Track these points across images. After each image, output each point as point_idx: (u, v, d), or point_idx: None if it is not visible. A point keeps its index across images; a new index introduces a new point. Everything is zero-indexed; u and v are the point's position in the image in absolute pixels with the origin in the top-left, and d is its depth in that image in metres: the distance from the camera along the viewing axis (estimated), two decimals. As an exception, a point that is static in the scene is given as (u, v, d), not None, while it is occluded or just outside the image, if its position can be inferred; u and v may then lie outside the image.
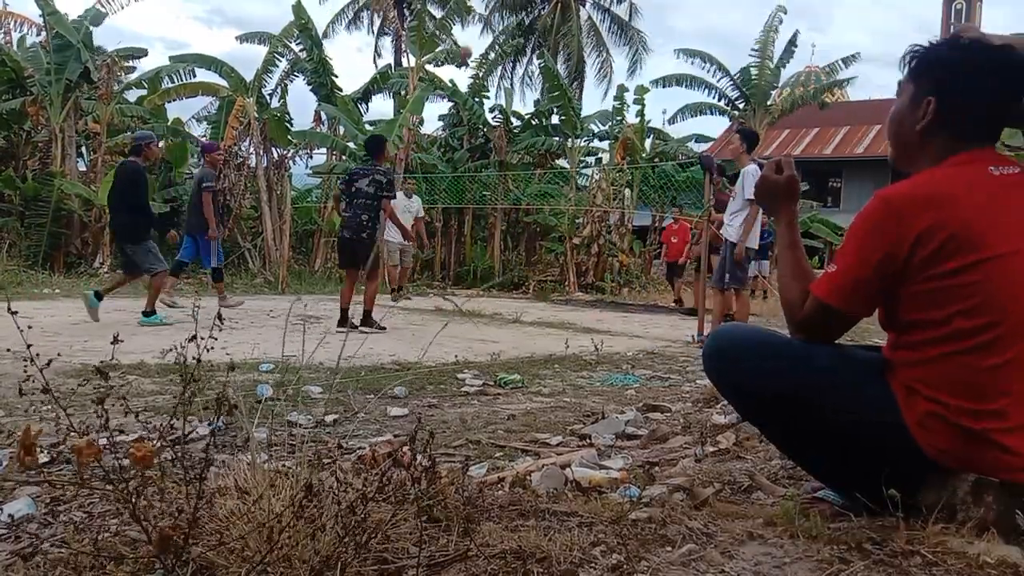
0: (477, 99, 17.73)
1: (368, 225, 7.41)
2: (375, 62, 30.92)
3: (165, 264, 7.64)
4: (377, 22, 30.30)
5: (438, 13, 20.20)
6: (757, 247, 7.19)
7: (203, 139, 13.01)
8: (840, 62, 18.86)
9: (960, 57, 1.77)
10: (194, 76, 16.29)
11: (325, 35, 24.32)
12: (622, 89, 17.85)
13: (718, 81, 18.43)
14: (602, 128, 17.99)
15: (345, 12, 30.22)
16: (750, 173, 6.73)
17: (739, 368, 1.85)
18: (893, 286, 1.68)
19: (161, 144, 17.22)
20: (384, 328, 7.15)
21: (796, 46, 17.83)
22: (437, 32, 16.45)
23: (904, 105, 1.84)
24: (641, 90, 17.73)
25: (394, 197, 7.67)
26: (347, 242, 7.59)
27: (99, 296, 7.23)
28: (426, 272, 16.73)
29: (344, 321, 7.25)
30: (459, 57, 17.16)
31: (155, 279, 7.39)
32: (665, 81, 18.76)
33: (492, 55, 19.36)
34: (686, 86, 18.87)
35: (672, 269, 13.34)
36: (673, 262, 13.20)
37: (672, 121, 19.77)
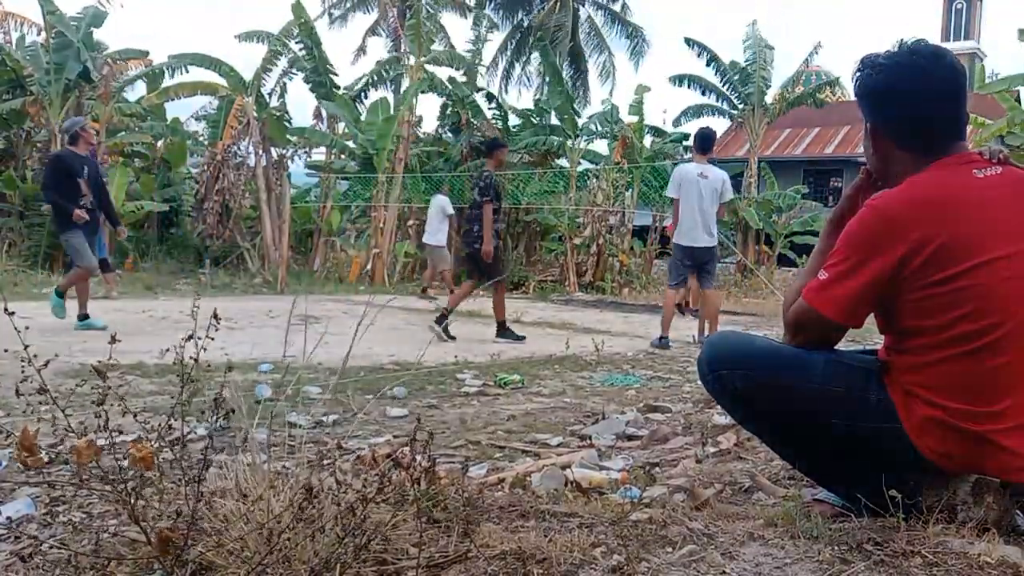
0: (474, 96, 17.68)
1: (478, 234, 7.06)
2: (355, 60, 30.43)
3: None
4: (367, 21, 29.87)
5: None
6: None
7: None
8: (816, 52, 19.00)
9: (883, 81, 1.75)
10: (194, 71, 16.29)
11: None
12: (620, 88, 17.89)
13: (717, 73, 18.42)
14: (601, 128, 17.94)
15: (333, 9, 29.62)
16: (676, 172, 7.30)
17: (734, 376, 1.84)
18: (889, 295, 1.67)
19: (160, 144, 17.26)
20: (523, 337, 7.01)
21: (772, 48, 17.97)
22: (435, 31, 16.44)
23: (865, 135, 1.85)
24: (641, 89, 17.70)
25: (491, 200, 7.05)
26: (467, 256, 7.44)
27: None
28: (424, 272, 16.71)
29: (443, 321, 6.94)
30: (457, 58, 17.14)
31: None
32: (678, 80, 18.75)
33: (479, 43, 18.94)
34: (694, 86, 18.86)
35: None
36: None
37: (677, 123, 19.73)
